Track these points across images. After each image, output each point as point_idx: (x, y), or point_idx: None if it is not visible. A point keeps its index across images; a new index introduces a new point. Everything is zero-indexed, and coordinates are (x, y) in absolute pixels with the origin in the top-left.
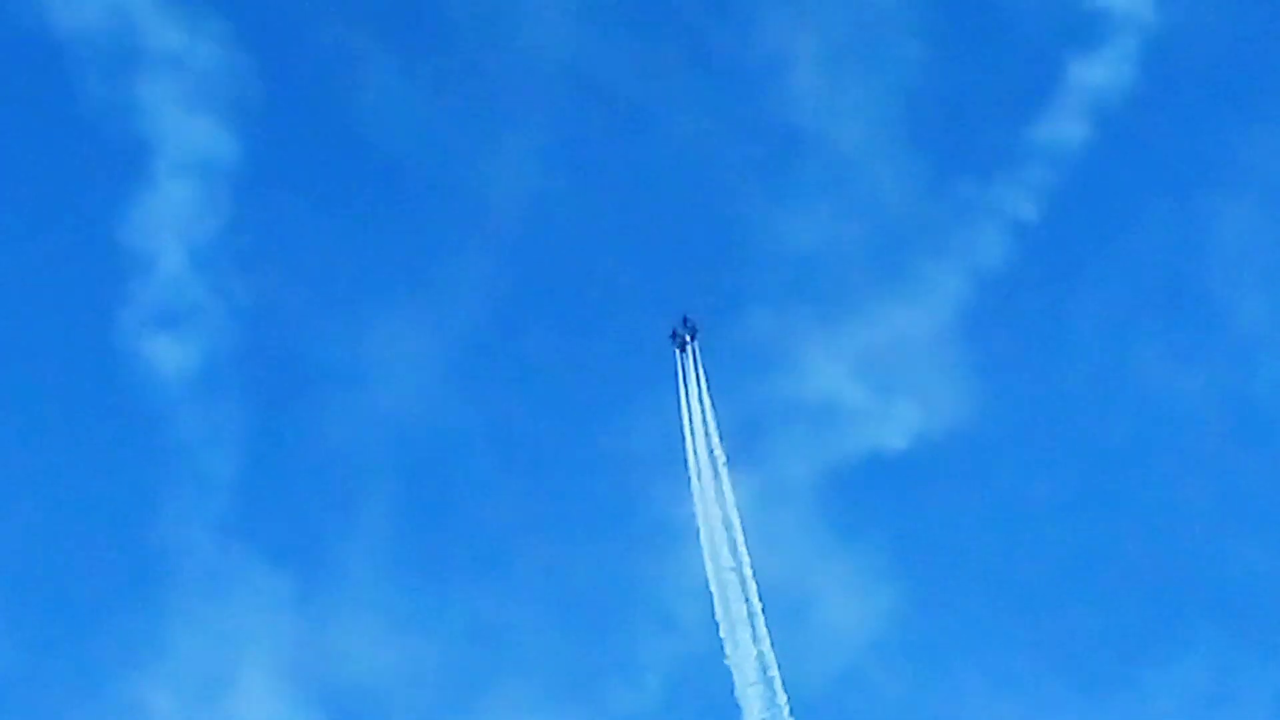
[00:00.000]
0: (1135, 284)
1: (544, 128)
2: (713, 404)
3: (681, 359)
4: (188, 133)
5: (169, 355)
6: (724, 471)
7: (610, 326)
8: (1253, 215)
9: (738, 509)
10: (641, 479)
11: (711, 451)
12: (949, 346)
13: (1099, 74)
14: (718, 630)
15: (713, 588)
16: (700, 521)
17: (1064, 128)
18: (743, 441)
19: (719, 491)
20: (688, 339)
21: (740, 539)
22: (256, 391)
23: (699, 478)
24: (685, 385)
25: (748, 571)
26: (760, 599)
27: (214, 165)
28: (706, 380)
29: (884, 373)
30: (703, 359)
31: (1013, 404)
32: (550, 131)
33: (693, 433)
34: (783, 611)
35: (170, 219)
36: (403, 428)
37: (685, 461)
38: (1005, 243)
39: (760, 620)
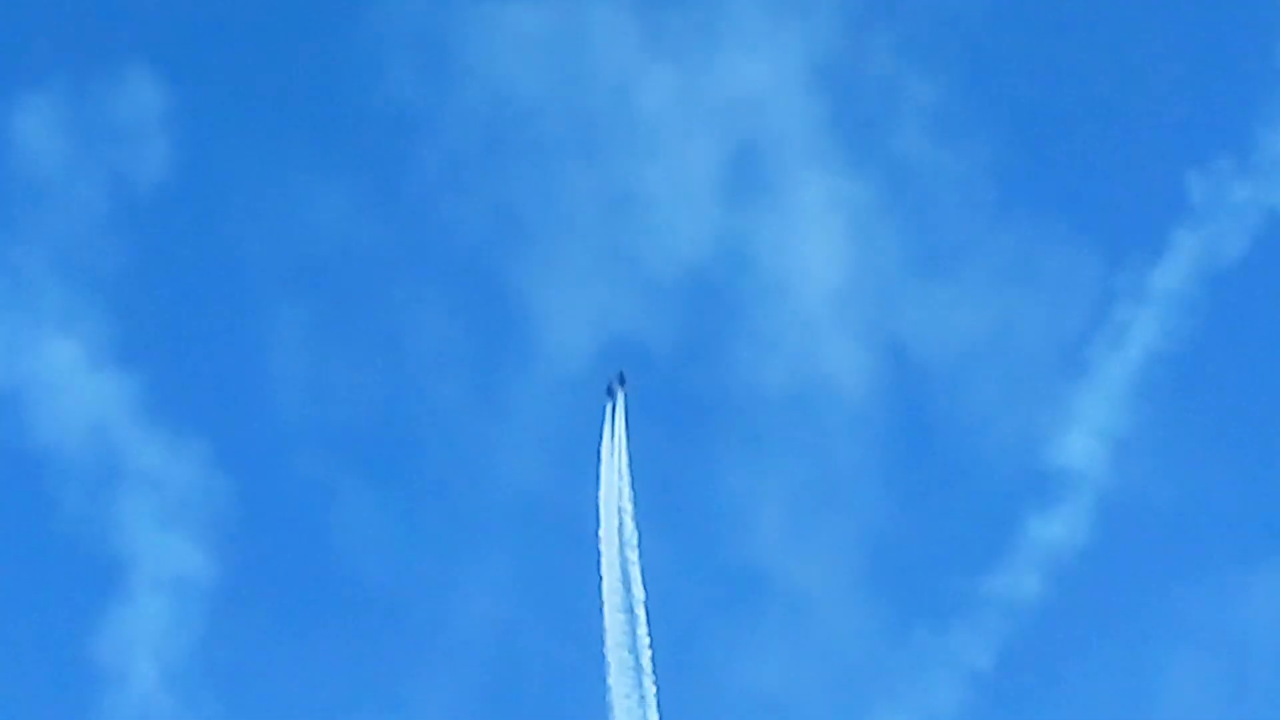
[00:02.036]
0: None
1: (511, 558)
2: None
3: None
4: (164, 551)
5: None
6: None
7: None
8: (1201, 669)
9: None
10: None
11: None
12: None
13: (1055, 529)
14: None
15: None
16: None
17: (1019, 580)
18: None
19: None
20: None
21: None
22: None
23: None
24: None
25: None
26: None
27: (189, 584)
28: None
29: None
30: None
31: None
32: (517, 562)
33: None
34: None
35: (144, 636)
36: None
37: None
38: (960, 690)
39: None
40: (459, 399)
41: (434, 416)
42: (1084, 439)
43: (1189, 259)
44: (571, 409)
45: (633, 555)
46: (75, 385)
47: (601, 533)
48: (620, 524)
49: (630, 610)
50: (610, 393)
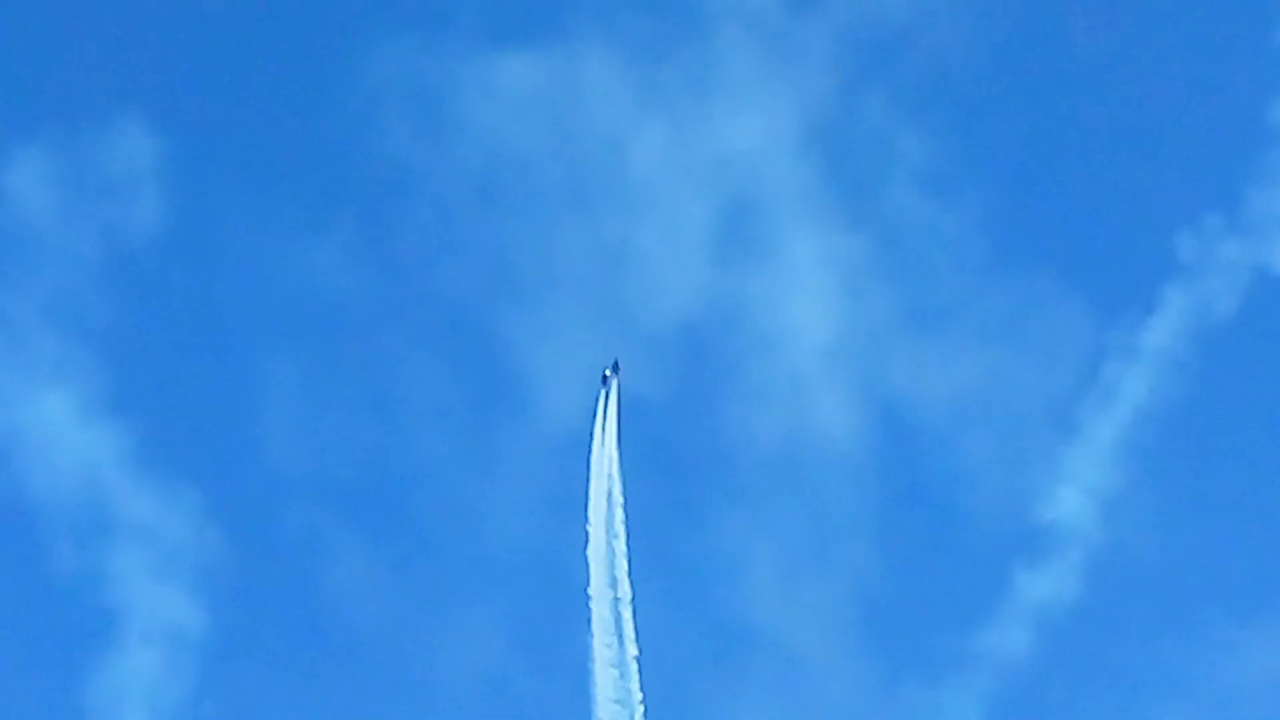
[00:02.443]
0: None
1: (503, 611)
2: None
3: None
4: (156, 601)
5: None
6: None
7: None
8: None
9: None
10: None
11: None
12: None
13: (1044, 586)
14: None
15: None
16: None
17: (1009, 636)
18: None
19: None
20: None
21: None
22: None
23: None
24: None
25: None
26: None
27: (181, 634)
28: None
29: None
30: None
31: None
32: (509, 615)
33: None
34: None
35: (136, 686)
36: None
37: None
38: None
39: None
40: (450, 451)
41: (426, 469)
42: (1074, 496)
43: (1179, 317)
44: (563, 462)
45: (625, 611)
46: (67, 436)
47: (592, 589)
48: (613, 577)
49: (622, 665)
50: (604, 380)
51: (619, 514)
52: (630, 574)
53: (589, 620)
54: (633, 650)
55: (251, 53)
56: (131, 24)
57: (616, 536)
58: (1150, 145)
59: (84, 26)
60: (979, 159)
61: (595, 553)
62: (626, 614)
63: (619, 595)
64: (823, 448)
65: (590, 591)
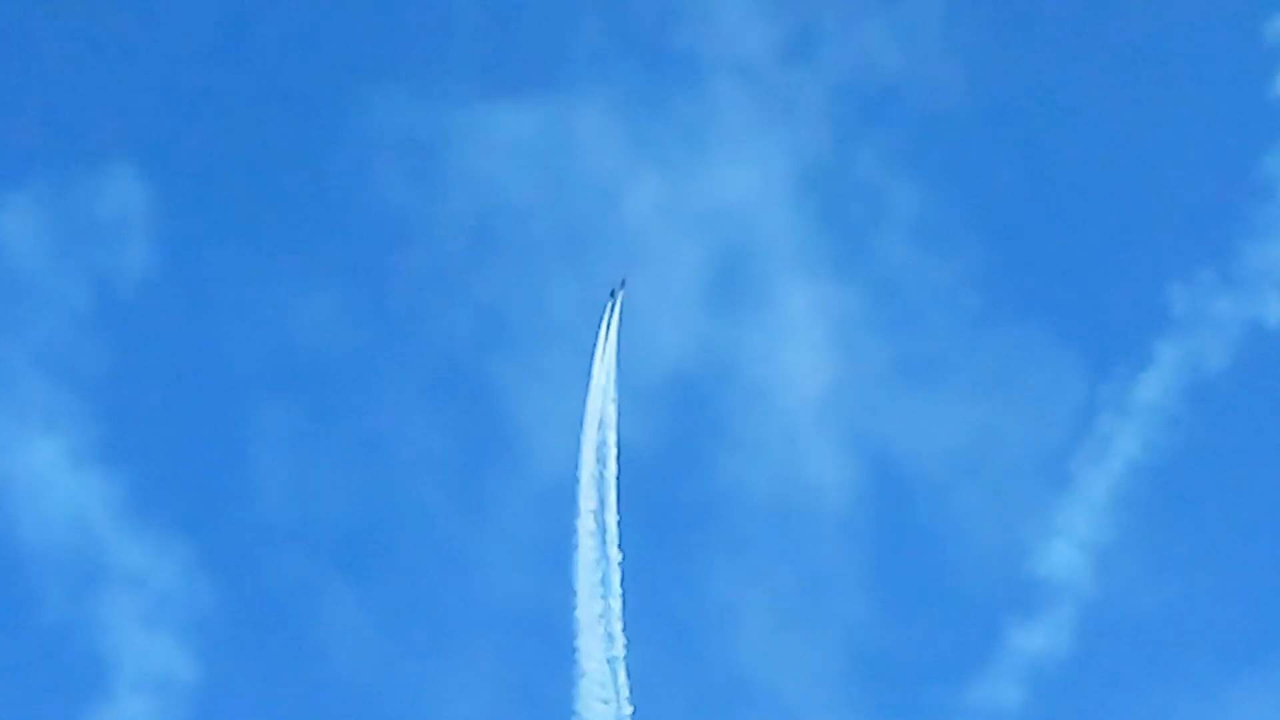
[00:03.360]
0: None
1: (495, 662)
2: None
3: None
4: (146, 651)
5: None
6: None
7: None
8: None
9: None
10: None
11: None
12: None
13: (1037, 640)
14: None
15: None
16: None
17: (1001, 690)
18: None
19: None
20: None
21: None
22: None
23: None
24: None
25: None
26: None
27: (171, 684)
28: None
29: None
30: None
31: None
32: (501, 666)
33: None
34: None
35: None
36: None
37: None
38: None
39: None
40: (443, 502)
41: (418, 519)
42: (1067, 549)
43: (1172, 371)
44: (556, 513)
45: (617, 664)
46: (57, 484)
47: (582, 641)
48: (604, 630)
49: (615, 718)
50: (612, 294)
51: (614, 570)
52: (622, 626)
53: (580, 671)
54: (626, 709)
55: (244, 100)
56: (123, 71)
57: (610, 591)
58: (1143, 198)
59: (75, 73)
60: (972, 211)
61: (586, 605)
62: (618, 667)
63: (610, 648)
64: (815, 499)
65: (580, 644)
